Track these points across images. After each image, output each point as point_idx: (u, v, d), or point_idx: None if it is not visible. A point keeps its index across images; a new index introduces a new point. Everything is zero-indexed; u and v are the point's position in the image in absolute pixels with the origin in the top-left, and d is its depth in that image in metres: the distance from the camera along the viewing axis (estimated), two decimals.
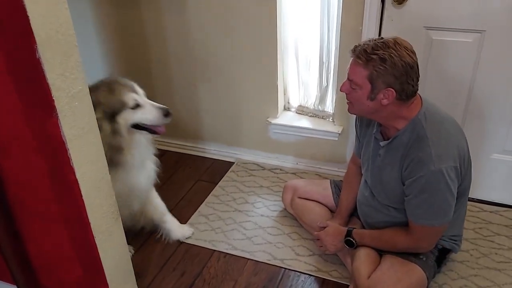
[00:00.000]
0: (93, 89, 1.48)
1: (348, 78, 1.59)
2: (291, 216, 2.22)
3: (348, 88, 1.59)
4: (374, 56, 1.47)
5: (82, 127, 1.28)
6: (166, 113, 1.70)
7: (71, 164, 1.28)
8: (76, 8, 1.47)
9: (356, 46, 1.54)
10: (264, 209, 2.33)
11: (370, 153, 1.77)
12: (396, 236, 1.70)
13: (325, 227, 1.90)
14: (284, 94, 2.62)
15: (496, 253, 1.98)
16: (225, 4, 2.31)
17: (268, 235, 2.15)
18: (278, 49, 2.35)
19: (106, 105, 1.63)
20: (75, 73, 1.21)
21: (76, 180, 1.31)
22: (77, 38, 1.18)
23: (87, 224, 1.40)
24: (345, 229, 1.83)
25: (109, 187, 1.46)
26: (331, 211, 2.08)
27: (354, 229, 1.81)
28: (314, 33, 2.36)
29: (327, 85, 2.50)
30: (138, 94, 1.72)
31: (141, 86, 1.79)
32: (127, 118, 1.68)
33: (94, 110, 1.34)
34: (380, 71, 1.47)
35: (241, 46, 2.40)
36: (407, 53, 1.48)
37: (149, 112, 1.70)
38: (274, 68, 2.41)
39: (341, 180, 2.09)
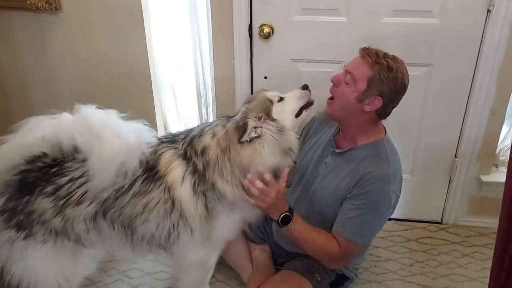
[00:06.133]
0: (236, 113, 1.61)
1: (346, 71, 1.55)
2: None
3: (340, 80, 1.56)
4: (383, 62, 1.48)
5: None
6: (303, 87, 1.68)
7: None
8: None
9: (368, 47, 1.56)
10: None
11: (312, 160, 1.74)
12: (331, 243, 1.61)
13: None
14: (165, 129, 2.54)
15: (375, 266, 2.12)
16: (90, 40, 2.20)
17: (156, 281, 2.02)
18: (152, 84, 2.29)
19: (255, 109, 1.55)
20: None
21: None
22: None
23: None
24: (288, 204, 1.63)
25: None
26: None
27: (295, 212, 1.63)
28: (189, 67, 2.35)
29: (208, 118, 2.49)
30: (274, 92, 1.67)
31: None
32: (280, 112, 1.58)
33: (247, 118, 1.49)
34: (383, 78, 1.49)
35: (112, 83, 2.29)
36: (408, 77, 1.54)
37: (292, 96, 1.65)
38: (151, 103, 2.33)
39: None
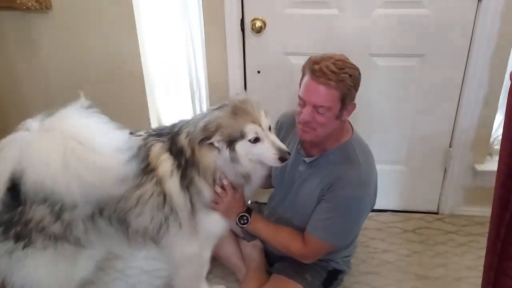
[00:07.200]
0: (219, 108, 1.51)
1: (312, 105, 1.46)
2: None
3: (312, 115, 1.47)
4: (344, 75, 1.42)
5: None
6: (281, 158, 1.48)
7: None
8: None
9: (317, 67, 1.42)
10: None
11: (286, 169, 1.72)
12: (292, 241, 1.64)
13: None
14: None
15: (372, 257, 2.12)
16: (81, 38, 2.19)
17: (155, 279, 2.02)
18: (145, 81, 2.27)
19: (226, 130, 1.46)
20: None
21: None
22: None
23: None
24: (248, 205, 1.69)
25: None
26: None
27: (254, 212, 1.68)
28: (181, 63, 2.34)
29: None
30: (261, 126, 1.49)
31: None
32: (245, 150, 1.48)
33: (215, 132, 1.44)
34: (351, 88, 1.45)
35: (104, 81, 2.27)
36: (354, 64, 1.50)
37: (266, 150, 1.49)
38: (144, 100, 2.32)
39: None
